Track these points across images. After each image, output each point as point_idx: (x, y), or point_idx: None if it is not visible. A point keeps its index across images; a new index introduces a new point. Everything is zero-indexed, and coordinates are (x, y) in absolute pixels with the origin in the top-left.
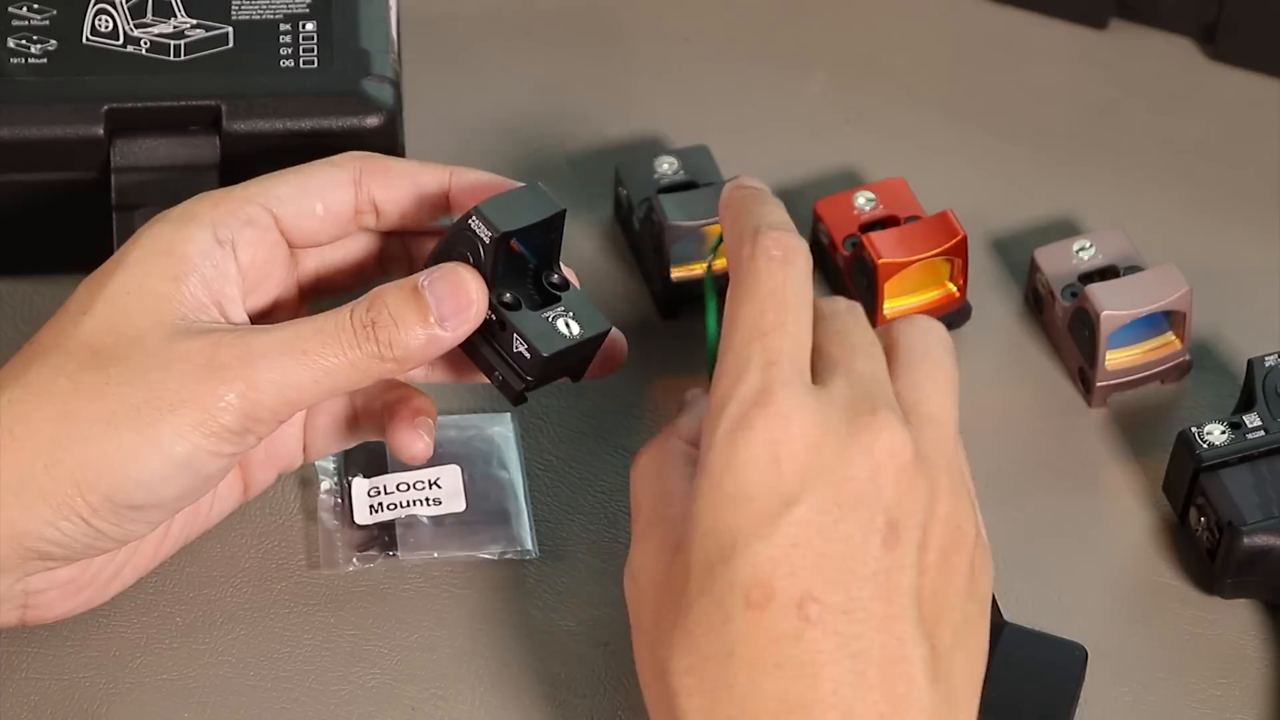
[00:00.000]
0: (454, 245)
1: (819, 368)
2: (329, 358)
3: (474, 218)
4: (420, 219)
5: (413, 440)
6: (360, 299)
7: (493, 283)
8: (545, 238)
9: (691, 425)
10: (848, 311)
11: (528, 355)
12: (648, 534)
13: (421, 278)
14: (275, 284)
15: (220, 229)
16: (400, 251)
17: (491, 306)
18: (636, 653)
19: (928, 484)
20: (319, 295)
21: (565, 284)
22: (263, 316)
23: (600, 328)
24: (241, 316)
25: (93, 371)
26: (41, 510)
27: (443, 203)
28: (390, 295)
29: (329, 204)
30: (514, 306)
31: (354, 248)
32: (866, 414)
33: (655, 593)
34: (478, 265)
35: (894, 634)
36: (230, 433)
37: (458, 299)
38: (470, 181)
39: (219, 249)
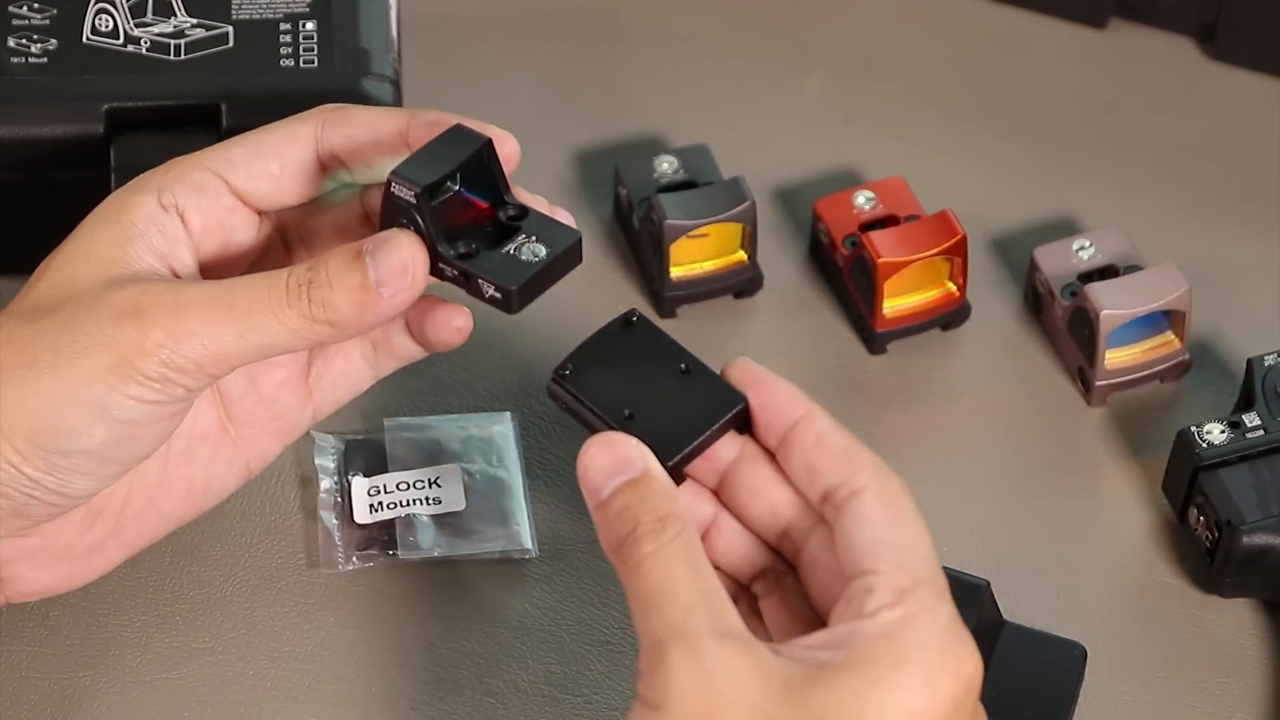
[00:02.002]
0: (390, 217)
1: None
2: (256, 314)
3: (393, 183)
4: (387, 166)
5: (453, 313)
6: (307, 260)
7: (437, 239)
8: (483, 174)
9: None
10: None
11: (500, 296)
12: (725, 638)
13: (366, 243)
14: (237, 248)
15: (164, 194)
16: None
17: (449, 262)
18: None
19: None
20: (310, 257)
21: (523, 212)
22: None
23: (568, 240)
24: (194, 277)
25: (28, 324)
26: None
27: (404, 148)
28: (332, 258)
29: (285, 162)
30: (472, 255)
31: (335, 205)
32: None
33: (753, 714)
34: (418, 229)
35: None
36: (149, 379)
37: (393, 264)
38: (428, 122)
39: (164, 214)
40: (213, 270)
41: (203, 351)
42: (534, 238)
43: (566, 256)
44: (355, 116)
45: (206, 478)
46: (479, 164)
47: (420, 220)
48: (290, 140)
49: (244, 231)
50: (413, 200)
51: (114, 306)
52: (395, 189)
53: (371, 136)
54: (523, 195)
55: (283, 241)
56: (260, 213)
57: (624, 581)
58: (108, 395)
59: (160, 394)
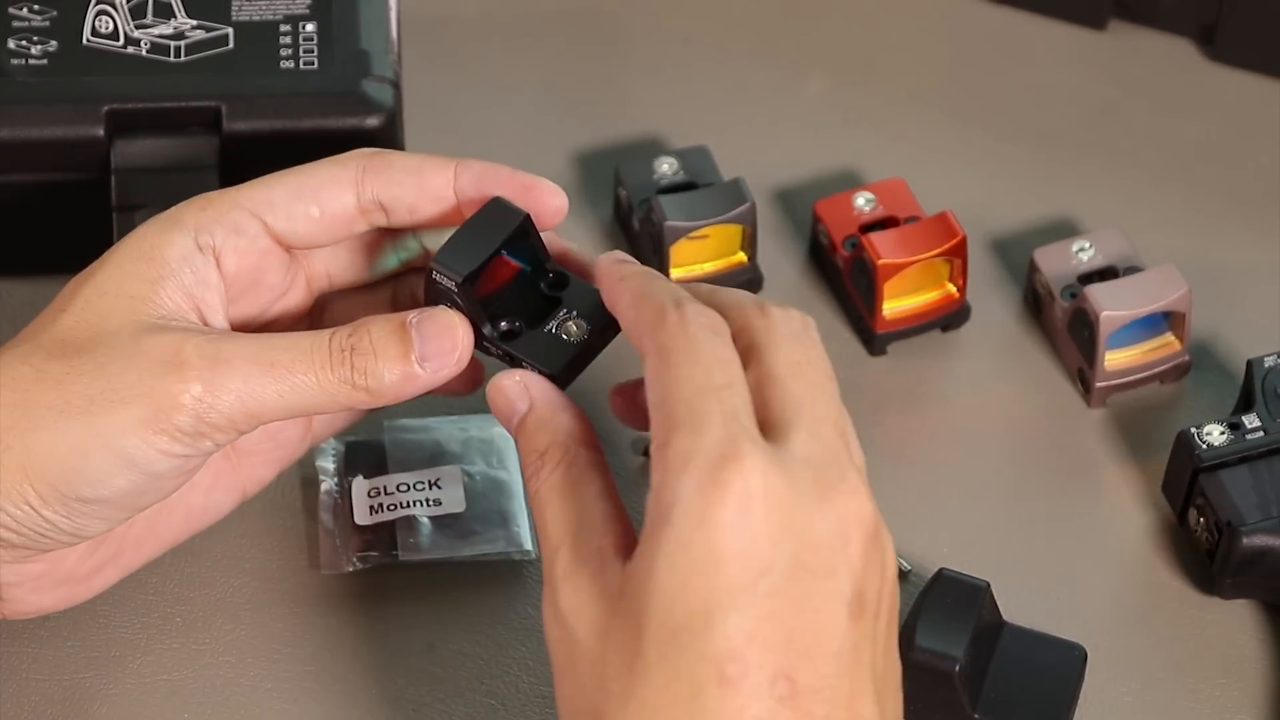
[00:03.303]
0: (433, 299)
1: (776, 404)
2: (297, 375)
3: (435, 270)
4: (431, 215)
5: (468, 368)
6: (348, 324)
7: (480, 322)
8: (523, 246)
9: (579, 427)
10: (804, 333)
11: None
12: (576, 571)
13: (412, 315)
14: (267, 288)
15: (202, 234)
16: (416, 245)
17: (492, 341)
18: (566, 699)
19: (882, 550)
20: (333, 290)
21: (564, 281)
22: (254, 319)
23: (608, 313)
24: (222, 324)
25: (58, 361)
26: None
27: (451, 199)
28: (376, 325)
29: (325, 206)
30: (515, 334)
31: (364, 244)
32: (836, 479)
33: (597, 643)
34: (460, 312)
35: (856, 712)
36: (182, 433)
37: (441, 342)
38: (475, 175)
39: (199, 255)
40: (237, 307)
41: (239, 408)
42: (574, 312)
43: (606, 330)
44: (397, 163)
45: (205, 503)
46: (520, 236)
47: (463, 305)
48: (331, 183)
49: (274, 273)
50: (454, 288)
51: (153, 355)
52: (438, 277)
53: (415, 185)
54: (559, 245)
55: (307, 282)
56: (290, 250)
57: None
58: (138, 448)
59: (189, 448)
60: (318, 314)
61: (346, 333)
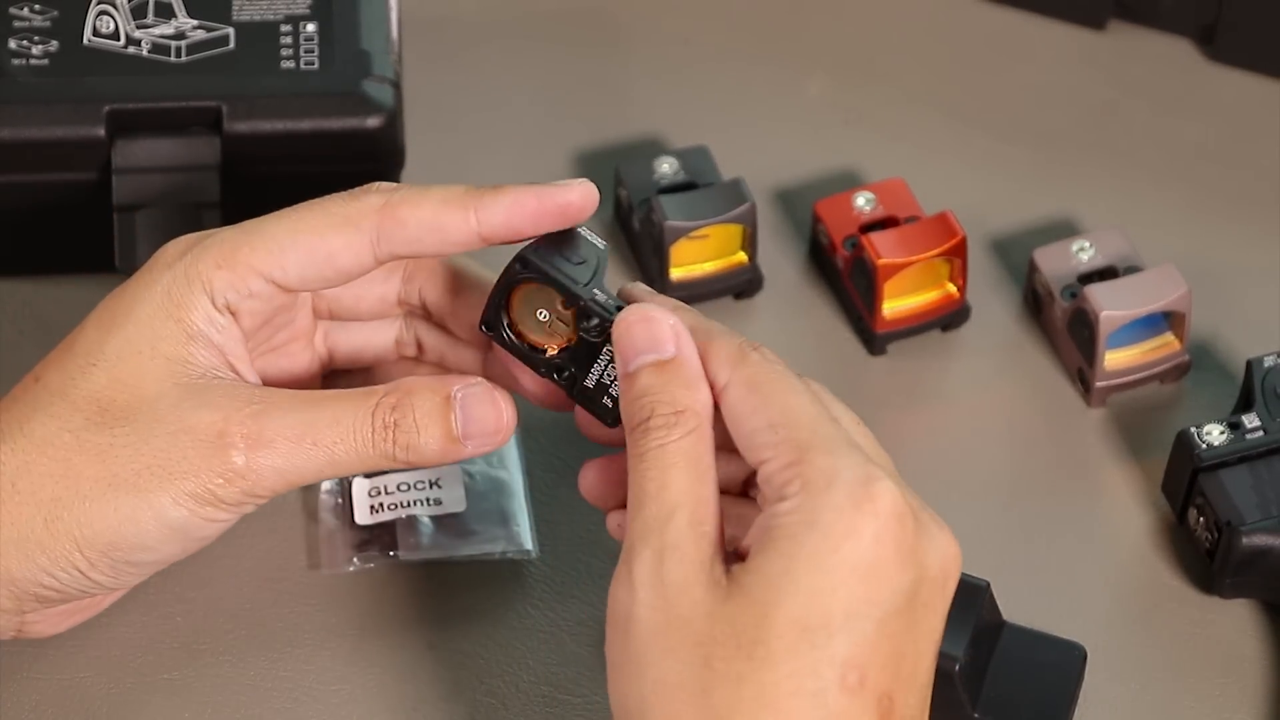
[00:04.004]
0: (558, 248)
1: None
2: (338, 450)
3: (582, 227)
4: (454, 253)
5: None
6: (386, 391)
7: (577, 291)
8: (585, 266)
9: (711, 407)
10: (830, 394)
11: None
12: (685, 545)
13: (456, 388)
14: (275, 327)
15: (219, 297)
16: (415, 266)
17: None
18: (651, 665)
19: None
20: (333, 319)
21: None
22: (262, 345)
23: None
24: (252, 375)
25: (98, 430)
26: (40, 561)
27: (475, 240)
28: (419, 400)
29: (341, 266)
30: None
31: (370, 282)
32: (930, 519)
33: (703, 622)
34: (591, 268)
35: None
36: (227, 504)
37: (485, 423)
38: (503, 215)
39: (220, 316)
40: (250, 343)
41: (282, 481)
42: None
43: None
44: (411, 220)
45: (209, 532)
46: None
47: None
48: (346, 250)
49: (287, 314)
50: (601, 247)
51: (197, 434)
52: (584, 232)
53: (436, 239)
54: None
55: (312, 309)
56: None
57: (629, 466)
58: (188, 519)
59: (233, 513)
60: (321, 337)
61: (390, 405)
